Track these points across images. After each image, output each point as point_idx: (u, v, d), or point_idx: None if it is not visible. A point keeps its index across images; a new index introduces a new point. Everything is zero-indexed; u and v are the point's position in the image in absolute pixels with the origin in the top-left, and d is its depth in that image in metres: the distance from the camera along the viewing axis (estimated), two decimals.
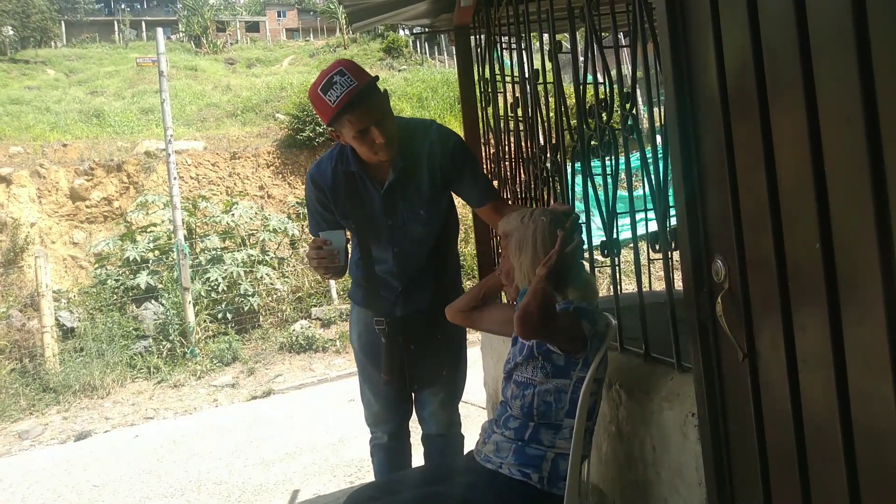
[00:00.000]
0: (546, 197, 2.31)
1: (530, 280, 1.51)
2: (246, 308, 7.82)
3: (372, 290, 2.02)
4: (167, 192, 7.94)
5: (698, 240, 1.15)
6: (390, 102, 1.83)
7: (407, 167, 1.86)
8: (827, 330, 0.84)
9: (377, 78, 1.78)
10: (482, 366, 3.11)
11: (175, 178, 7.33)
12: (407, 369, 1.97)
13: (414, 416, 2.19)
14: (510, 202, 2.76)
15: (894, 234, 0.73)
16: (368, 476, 3.41)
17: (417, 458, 2.22)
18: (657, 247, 1.56)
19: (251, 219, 8.86)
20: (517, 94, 2.58)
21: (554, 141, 2.19)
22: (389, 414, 2.12)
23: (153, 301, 7.45)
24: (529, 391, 1.50)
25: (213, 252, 8.05)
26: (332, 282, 7.81)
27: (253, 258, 8.17)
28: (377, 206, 1.90)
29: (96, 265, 8.39)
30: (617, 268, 1.91)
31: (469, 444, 1.73)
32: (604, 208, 1.81)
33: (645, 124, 1.94)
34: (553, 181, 2.26)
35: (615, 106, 1.74)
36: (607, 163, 1.79)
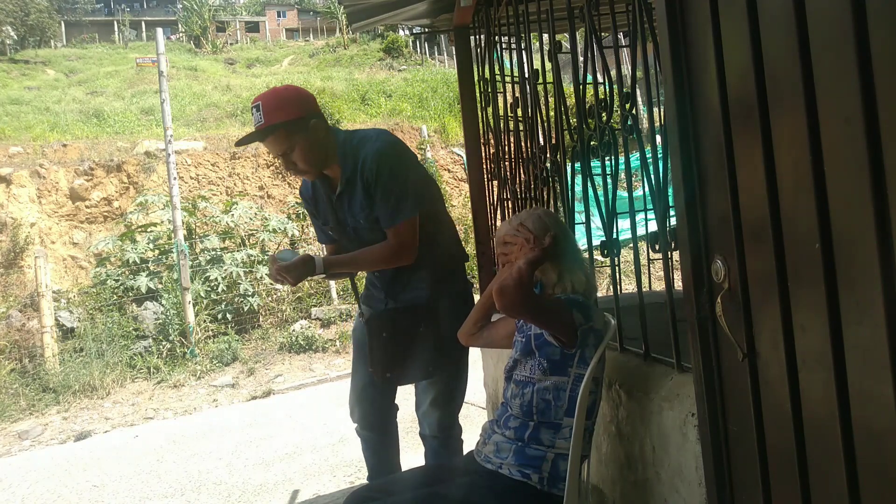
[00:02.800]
0: (546, 197, 2.31)
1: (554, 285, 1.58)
2: (246, 308, 7.82)
3: (369, 287, 2.20)
4: (167, 192, 7.94)
5: (698, 240, 1.15)
6: (320, 123, 1.94)
7: (348, 179, 1.95)
8: (827, 330, 0.84)
9: (279, 124, 1.83)
10: (482, 366, 3.11)
11: (175, 178, 7.33)
12: (389, 364, 2.02)
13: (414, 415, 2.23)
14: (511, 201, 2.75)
15: (894, 234, 0.73)
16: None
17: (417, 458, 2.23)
18: (657, 247, 1.56)
19: (251, 219, 8.86)
20: (517, 95, 2.58)
21: (554, 141, 2.19)
22: (361, 406, 2.19)
23: (153, 301, 7.45)
24: (529, 389, 1.50)
25: (213, 252, 8.05)
26: (332, 282, 7.81)
27: (253, 258, 8.17)
28: (334, 212, 2.04)
29: (96, 265, 8.39)
30: (617, 268, 1.91)
31: (469, 445, 1.73)
32: (603, 208, 1.81)
33: (645, 124, 1.94)
34: (553, 181, 2.26)
35: (615, 106, 1.74)
36: (607, 163, 1.79)
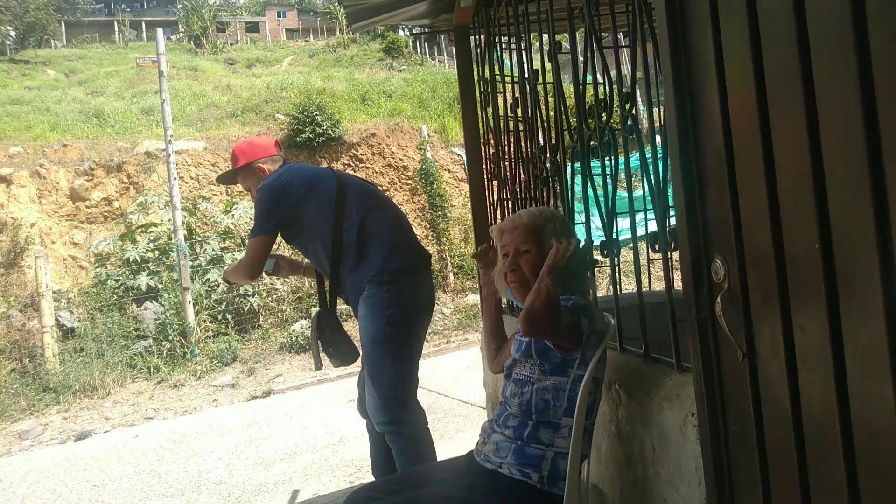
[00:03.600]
0: (546, 197, 2.31)
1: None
2: (246, 308, 7.82)
3: None
4: (167, 192, 7.94)
5: (698, 240, 1.15)
6: (253, 173, 2.43)
7: None
8: (826, 330, 0.84)
9: (226, 177, 2.53)
10: (482, 366, 3.11)
11: (175, 179, 7.33)
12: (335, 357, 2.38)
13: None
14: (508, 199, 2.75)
15: (894, 234, 0.73)
16: (368, 476, 3.41)
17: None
18: (657, 247, 1.56)
19: (251, 219, 8.86)
20: (517, 95, 2.58)
21: (554, 141, 2.19)
22: (359, 395, 2.42)
23: (153, 301, 7.45)
24: (528, 388, 1.50)
25: (213, 252, 8.05)
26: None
27: None
28: None
29: (96, 265, 8.39)
30: (617, 268, 1.91)
31: (469, 444, 1.73)
32: (603, 208, 1.81)
33: (644, 124, 1.94)
34: (553, 181, 2.26)
35: (615, 106, 1.74)
36: (607, 163, 1.79)
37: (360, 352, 2.29)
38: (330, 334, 2.38)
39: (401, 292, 2.18)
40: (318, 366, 2.50)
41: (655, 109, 1.71)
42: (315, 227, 2.27)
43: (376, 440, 2.39)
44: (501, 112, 2.81)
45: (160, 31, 7.77)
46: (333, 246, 2.25)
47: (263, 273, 2.42)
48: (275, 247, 2.40)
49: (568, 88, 3.11)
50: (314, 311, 2.57)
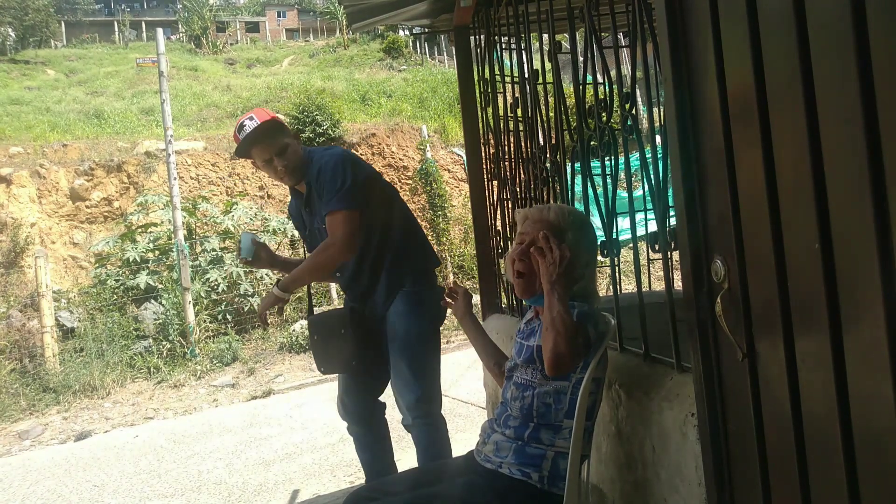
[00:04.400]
0: (546, 197, 2.31)
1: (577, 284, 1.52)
2: (246, 308, 7.82)
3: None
4: (167, 192, 7.94)
5: (698, 240, 1.15)
6: (296, 140, 2.23)
7: (309, 186, 2.23)
8: (827, 330, 0.84)
9: (275, 122, 2.18)
10: (482, 366, 3.11)
11: (175, 179, 7.33)
12: (357, 358, 2.22)
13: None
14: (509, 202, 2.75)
15: (894, 234, 0.73)
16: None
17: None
18: (657, 247, 1.56)
19: (251, 219, 8.86)
20: (517, 95, 2.58)
21: (554, 141, 2.19)
22: (347, 401, 2.38)
23: (153, 301, 7.45)
24: (529, 393, 1.50)
25: (213, 253, 8.05)
26: (332, 283, 7.82)
27: None
28: (305, 218, 2.32)
29: (96, 265, 8.39)
30: (617, 268, 1.91)
31: (469, 445, 1.73)
32: (603, 208, 1.81)
33: (645, 124, 1.94)
34: (553, 181, 2.26)
35: (615, 106, 1.74)
36: (607, 163, 1.79)
37: (388, 351, 2.22)
38: (352, 337, 2.21)
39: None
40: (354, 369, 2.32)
41: (655, 109, 1.71)
42: (370, 217, 2.16)
43: (369, 444, 2.37)
44: (501, 112, 2.81)
45: (160, 31, 7.77)
46: (381, 241, 2.20)
47: (247, 259, 2.27)
48: (271, 237, 2.39)
49: (568, 88, 3.11)
50: (335, 309, 2.47)
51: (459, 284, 1.78)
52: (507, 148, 2.76)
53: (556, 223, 1.55)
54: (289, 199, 2.49)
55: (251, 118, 2.15)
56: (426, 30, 3.69)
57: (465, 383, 5.06)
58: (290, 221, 2.43)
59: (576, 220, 1.58)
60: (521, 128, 2.57)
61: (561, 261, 1.42)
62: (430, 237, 9.75)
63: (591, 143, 1.85)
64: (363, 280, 2.26)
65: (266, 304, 2.18)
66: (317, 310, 2.55)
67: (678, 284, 1.34)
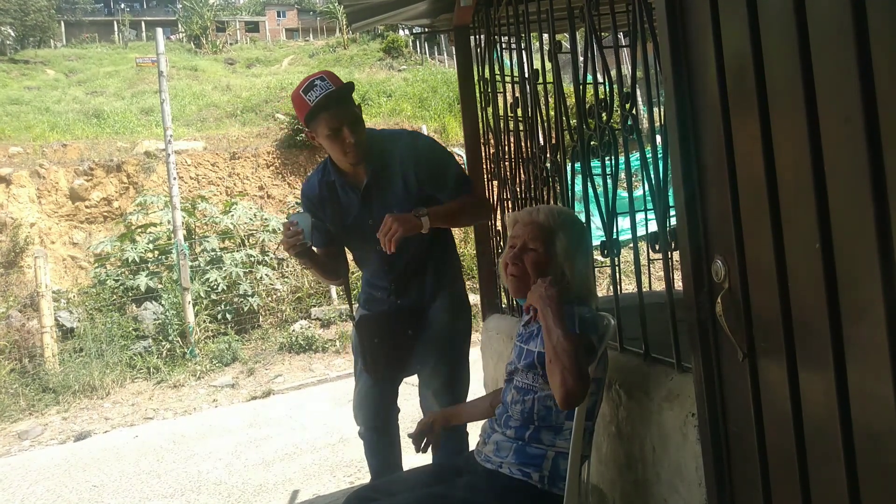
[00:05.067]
0: (546, 197, 2.31)
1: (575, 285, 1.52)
2: (245, 308, 7.82)
3: (369, 290, 2.18)
4: (167, 192, 7.94)
5: (698, 240, 1.15)
6: (362, 114, 2.00)
7: (379, 171, 1.99)
8: (827, 330, 0.84)
9: (352, 85, 1.97)
10: (482, 366, 3.11)
11: (175, 179, 7.32)
12: (392, 362, 2.08)
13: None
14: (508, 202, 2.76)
15: (894, 235, 0.73)
16: (368, 476, 3.41)
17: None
18: (657, 247, 1.56)
19: (250, 219, 8.86)
20: (517, 95, 2.58)
21: (554, 141, 2.19)
22: (364, 408, 2.21)
23: (153, 301, 7.45)
24: (530, 397, 1.49)
25: (213, 253, 8.05)
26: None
27: (252, 258, 8.17)
28: (357, 209, 2.04)
29: (96, 265, 8.39)
30: (617, 268, 1.91)
31: (469, 445, 1.73)
32: (603, 208, 1.81)
33: (645, 124, 1.94)
34: (553, 181, 2.26)
35: (615, 106, 1.74)
36: (607, 163, 1.79)
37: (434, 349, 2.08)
38: (408, 338, 2.06)
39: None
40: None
41: (655, 109, 1.71)
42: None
43: (381, 449, 2.24)
44: (501, 112, 2.81)
45: (160, 30, 7.77)
46: (436, 234, 2.04)
47: (311, 245, 1.98)
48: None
49: (568, 88, 3.11)
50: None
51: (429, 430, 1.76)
52: (507, 148, 2.76)
53: (547, 224, 1.56)
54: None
55: (322, 79, 1.88)
56: (426, 30, 3.69)
57: None
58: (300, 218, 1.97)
59: (566, 220, 1.58)
60: (521, 128, 2.57)
61: (548, 290, 1.43)
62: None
63: (591, 142, 1.85)
64: (416, 275, 2.08)
65: (407, 229, 1.79)
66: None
67: (678, 284, 1.34)
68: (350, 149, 1.91)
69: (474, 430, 1.76)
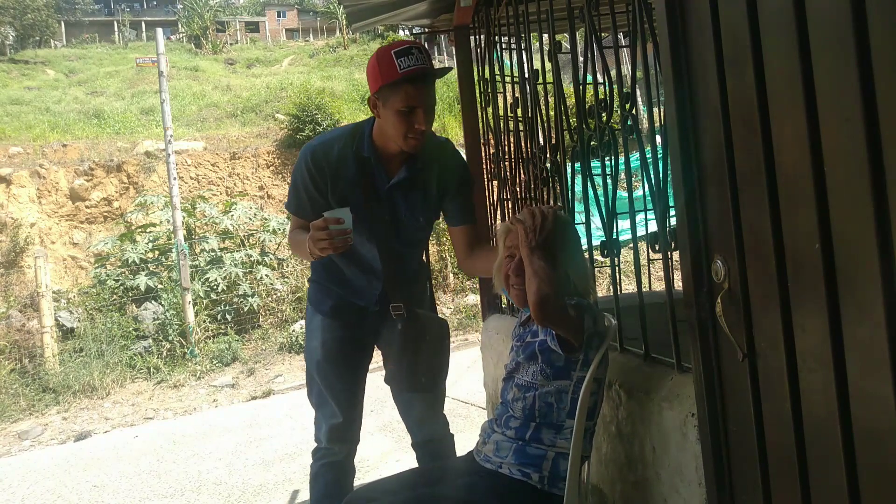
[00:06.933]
0: (546, 197, 2.31)
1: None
2: (245, 308, 7.82)
3: (345, 293, 1.95)
4: (167, 192, 7.94)
5: (698, 240, 1.15)
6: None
7: (419, 169, 1.83)
8: (827, 330, 0.84)
9: (450, 71, 1.82)
10: (482, 366, 3.11)
11: (175, 179, 7.33)
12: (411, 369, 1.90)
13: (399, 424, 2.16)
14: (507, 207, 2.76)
15: (894, 234, 0.73)
16: (368, 476, 3.41)
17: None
18: (657, 247, 1.56)
19: (250, 219, 8.86)
20: (517, 95, 2.58)
21: (554, 141, 2.19)
22: (351, 428, 2.00)
23: (153, 301, 7.45)
24: (531, 394, 1.50)
25: (213, 253, 8.05)
26: None
27: (252, 259, 8.17)
28: (380, 199, 1.83)
29: (96, 265, 8.39)
30: (617, 268, 1.91)
31: (469, 445, 1.73)
32: (603, 208, 1.81)
33: (645, 124, 1.94)
34: (553, 181, 2.26)
35: (615, 106, 1.74)
36: (607, 163, 1.79)
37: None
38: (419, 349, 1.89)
39: None
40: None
41: (655, 109, 1.71)
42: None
43: (347, 470, 2.05)
44: (501, 112, 2.81)
45: (160, 31, 7.77)
46: (427, 238, 2.03)
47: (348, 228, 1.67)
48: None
49: (568, 88, 3.11)
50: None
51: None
52: (507, 148, 2.76)
53: (505, 226, 1.61)
54: (286, 197, 2.03)
55: (420, 49, 1.66)
56: (426, 30, 3.69)
57: (465, 383, 5.05)
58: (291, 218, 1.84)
59: (558, 223, 1.58)
60: (521, 128, 2.57)
61: (542, 228, 1.46)
62: (430, 237, 9.75)
63: (591, 143, 1.85)
64: (407, 281, 1.96)
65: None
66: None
67: (678, 284, 1.34)
68: (417, 134, 1.70)
69: (474, 430, 1.76)
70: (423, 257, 2.09)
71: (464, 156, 1.98)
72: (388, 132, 1.74)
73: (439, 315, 2.08)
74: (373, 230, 1.83)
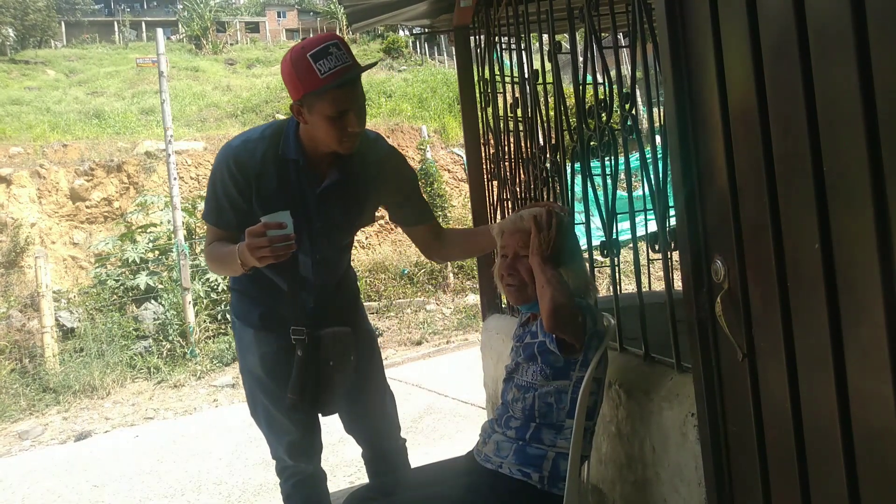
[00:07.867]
0: (546, 197, 2.31)
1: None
2: None
3: (275, 305, 1.77)
4: (167, 192, 7.94)
5: (698, 240, 1.15)
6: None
7: (352, 170, 1.68)
8: (827, 330, 0.84)
9: (375, 63, 1.79)
10: (482, 366, 3.11)
11: (175, 179, 7.33)
12: (320, 389, 1.71)
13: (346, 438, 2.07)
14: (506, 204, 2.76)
15: (894, 235, 0.73)
16: (358, 480, 3.41)
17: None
18: (657, 247, 1.56)
19: None
20: (517, 95, 2.58)
21: (553, 141, 2.19)
22: (312, 441, 1.89)
23: (153, 301, 7.45)
24: (531, 394, 1.50)
25: None
26: None
27: None
28: (308, 205, 1.68)
29: (96, 265, 8.39)
30: (616, 268, 1.91)
31: (469, 445, 1.73)
32: (603, 208, 1.81)
33: (644, 124, 1.94)
34: (553, 181, 2.26)
35: (615, 106, 1.74)
36: (607, 163, 1.79)
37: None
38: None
39: None
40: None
41: (655, 109, 1.71)
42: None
43: (318, 481, 1.98)
44: (501, 112, 2.81)
45: (160, 31, 7.78)
46: (351, 245, 1.95)
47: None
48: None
49: (568, 88, 3.11)
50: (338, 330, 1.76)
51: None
52: (507, 148, 2.76)
53: (505, 224, 1.60)
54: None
55: (337, 45, 1.52)
56: (426, 30, 3.69)
57: (465, 383, 5.05)
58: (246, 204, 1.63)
59: (560, 228, 1.58)
60: (520, 128, 2.57)
61: (550, 243, 1.48)
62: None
63: (591, 143, 1.85)
64: (338, 290, 1.87)
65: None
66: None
67: (678, 284, 1.34)
68: (350, 138, 1.57)
69: (474, 430, 1.76)
70: (349, 267, 1.96)
71: (394, 147, 1.84)
72: (318, 137, 1.61)
73: (373, 326, 1.97)
74: (300, 240, 1.61)
